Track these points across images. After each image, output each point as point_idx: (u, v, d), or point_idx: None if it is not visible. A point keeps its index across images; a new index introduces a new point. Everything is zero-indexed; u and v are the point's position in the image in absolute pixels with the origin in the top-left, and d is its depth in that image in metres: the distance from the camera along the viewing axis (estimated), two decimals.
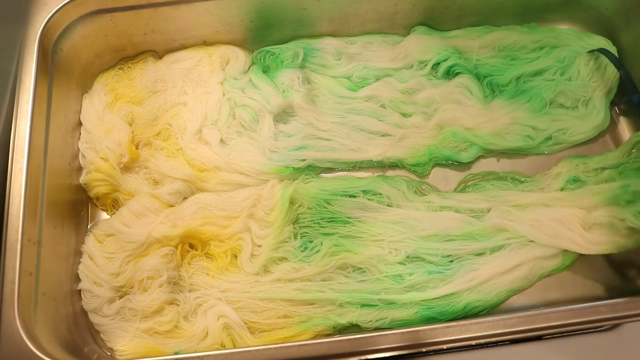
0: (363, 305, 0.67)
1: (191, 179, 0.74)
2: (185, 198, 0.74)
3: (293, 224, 0.72)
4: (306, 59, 0.81)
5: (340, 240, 0.70)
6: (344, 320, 0.66)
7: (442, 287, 0.67)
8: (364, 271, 0.70)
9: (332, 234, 0.71)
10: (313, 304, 0.68)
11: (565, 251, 0.69)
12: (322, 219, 0.72)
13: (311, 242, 0.71)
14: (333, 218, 0.72)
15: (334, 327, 0.67)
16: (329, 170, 0.78)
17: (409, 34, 0.84)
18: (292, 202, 0.71)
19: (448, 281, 0.68)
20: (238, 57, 0.81)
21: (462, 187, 0.76)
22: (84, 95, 0.79)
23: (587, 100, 0.78)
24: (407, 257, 0.69)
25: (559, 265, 0.70)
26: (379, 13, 0.80)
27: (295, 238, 0.71)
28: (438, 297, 0.67)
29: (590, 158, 0.74)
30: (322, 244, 0.70)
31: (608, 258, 0.72)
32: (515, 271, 0.68)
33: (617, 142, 0.79)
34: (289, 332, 0.66)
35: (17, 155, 0.65)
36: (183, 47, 0.82)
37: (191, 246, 0.72)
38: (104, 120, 0.77)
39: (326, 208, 0.72)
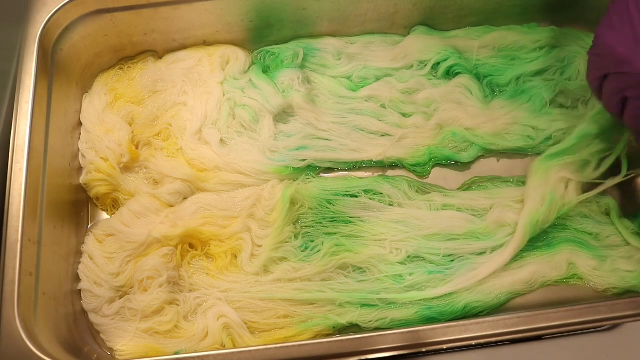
0: (363, 305, 0.67)
1: (191, 179, 0.74)
2: (185, 198, 0.74)
3: (294, 224, 0.72)
4: (306, 59, 0.81)
5: (342, 240, 0.70)
6: (344, 320, 0.66)
7: (442, 287, 0.67)
8: (364, 271, 0.70)
9: (334, 233, 0.71)
10: (313, 304, 0.68)
11: (571, 264, 0.70)
12: (324, 218, 0.72)
13: (312, 241, 0.71)
14: (335, 218, 0.72)
15: (334, 327, 0.67)
16: (329, 170, 0.78)
17: (409, 34, 0.84)
18: (293, 203, 0.71)
19: (448, 280, 0.68)
20: (238, 57, 0.81)
21: (466, 188, 0.76)
22: (84, 95, 0.79)
23: (587, 100, 0.78)
24: (408, 256, 0.69)
25: (562, 277, 0.69)
26: (379, 13, 0.80)
27: (296, 238, 0.71)
28: (438, 297, 0.67)
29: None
30: (322, 243, 0.70)
31: None
32: (517, 274, 0.68)
33: None
34: (288, 332, 0.66)
35: (17, 155, 0.65)
36: (183, 47, 0.82)
37: (191, 246, 0.72)
38: (104, 120, 0.77)
39: (328, 208, 0.72)
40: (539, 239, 0.71)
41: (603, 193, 0.72)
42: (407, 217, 0.72)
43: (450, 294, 0.67)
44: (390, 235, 0.70)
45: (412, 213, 0.72)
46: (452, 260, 0.69)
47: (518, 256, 0.70)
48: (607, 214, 0.73)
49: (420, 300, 0.67)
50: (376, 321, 0.67)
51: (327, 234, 0.71)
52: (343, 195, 0.73)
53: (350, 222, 0.72)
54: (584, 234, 0.72)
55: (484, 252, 0.70)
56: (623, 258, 0.70)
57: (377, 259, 0.69)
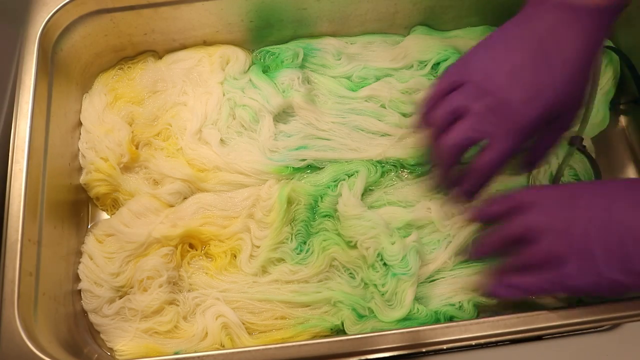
0: (353, 309, 0.67)
1: (191, 179, 0.74)
2: (185, 198, 0.74)
3: (291, 224, 0.72)
4: (306, 59, 0.81)
5: (328, 234, 0.70)
6: (338, 321, 0.66)
7: (409, 292, 0.65)
8: (352, 274, 0.69)
9: (324, 230, 0.71)
10: (309, 305, 0.68)
11: None
12: (315, 214, 0.72)
13: (305, 242, 0.71)
14: (326, 213, 0.72)
15: (331, 329, 0.67)
16: None
17: (409, 34, 0.84)
18: (289, 202, 0.71)
19: (413, 282, 0.66)
20: (238, 57, 0.81)
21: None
22: (84, 95, 0.79)
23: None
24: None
25: None
26: (379, 13, 0.80)
27: (291, 240, 0.71)
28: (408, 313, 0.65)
29: None
30: (312, 243, 0.70)
31: None
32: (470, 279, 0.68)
33: (617, 141, 0.79)
34: (286, 333, 0.66)
35: (17, 155, 0.65)
36: (183, 47, 0.82)
37: (191, 246, 0.72)
38: (104, 120, 0.77)
39: (319, 205, 0.72)
40: None
41: None
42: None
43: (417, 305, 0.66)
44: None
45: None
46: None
47: (470, 262, 0.69)
48: None
49: (398, 320, 0.65)
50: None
51: (317, 231, 0.71)
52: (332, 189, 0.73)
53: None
54: None
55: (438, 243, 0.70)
56: None
57: (362, 260, 0.69)
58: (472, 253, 0.64)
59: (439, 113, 0.59)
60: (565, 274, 0.51)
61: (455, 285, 0.68)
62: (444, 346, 0.57)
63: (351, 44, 0.83)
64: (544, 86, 0.53)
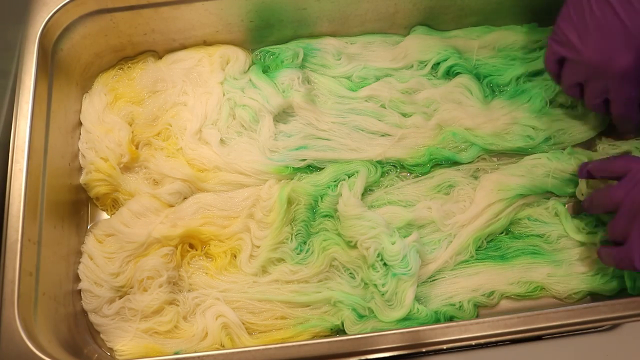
0: (353, 309, 0.67)
1: (191, 179, 0.74)
2: (185, 198, 0.74)
3: (291, 224, 0.72)
4: (306, 59, 0.81)
5: (329, 234, 0.70)
6: (338, 321, 0.66)
7: (409, 292, 0.66)
8: (353, 274, 0.69)
9: (325, 229, 0.71)
10: (309, 305, 0.68)
11: (529, 281, 0.70)
12: (316, 214, 0.72)
13: (305, 243, 0.71)
14: (327, 213, 0.72)
15: (331, 329, 0.67)
16: None
17: (409, 34, 0.84)
18: (290, 202, 0.71)
19: (413, 282, 0.66)
20: (238, 57, 0.81)
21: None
22: (84, 95, 0.79)
23: None
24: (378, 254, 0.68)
25: (524, 292, 0.69)
26: (379, 13, 0.80)
27: (291, 240, 0.71)
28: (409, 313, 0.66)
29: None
30: (313, 243, 0.70)
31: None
32: (470, 279, 0.69)
33: None
34: (286, 333, 0.66)
35: (17, 155, 0.65)
36: (183, 47, 0.82)
37: (191, 246, 0.72)
38: (104, 120, 0.77)
39: (319, 205, 0.72)
40: (491, 248, 0.72)
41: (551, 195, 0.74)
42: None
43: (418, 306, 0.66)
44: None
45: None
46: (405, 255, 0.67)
47: (470, 261, 0.70)
48: (557, 215, 0.73)
49: (398, 320, 0.66)
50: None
51: (317, 231, 0.71)
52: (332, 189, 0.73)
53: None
54: (536, 238, 0.71)
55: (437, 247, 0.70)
56: (578, 260, 0.69)
57: (362, 260, 0.69)
58: (584, 207, 0.69)
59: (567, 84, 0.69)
60: (628, 251, 0.57)
61: (455, 285, 0.68)
62: (444, 346, 0.57)
63: (351, 44, 0.83)
64: (635, 33, 0.59)
